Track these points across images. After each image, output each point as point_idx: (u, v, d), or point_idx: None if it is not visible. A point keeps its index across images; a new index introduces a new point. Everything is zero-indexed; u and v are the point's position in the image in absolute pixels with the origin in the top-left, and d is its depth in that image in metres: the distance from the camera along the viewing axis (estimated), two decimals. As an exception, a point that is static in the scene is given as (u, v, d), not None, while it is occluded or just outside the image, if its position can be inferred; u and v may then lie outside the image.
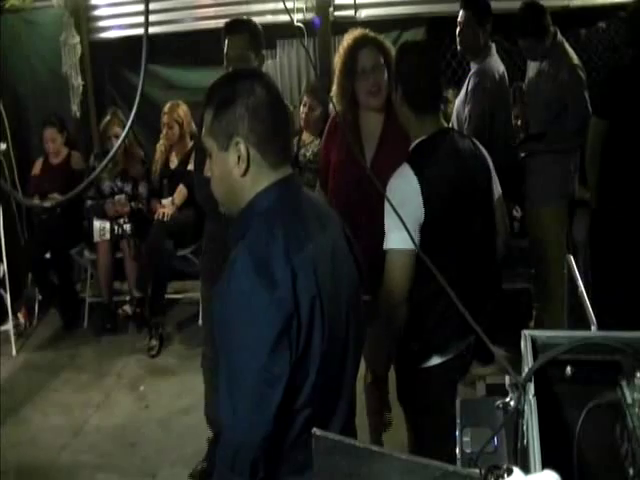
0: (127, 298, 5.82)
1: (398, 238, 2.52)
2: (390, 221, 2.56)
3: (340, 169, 3.30)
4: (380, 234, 2.62)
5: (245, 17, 4.00)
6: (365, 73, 3.18)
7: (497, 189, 2.89)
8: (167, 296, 5.69)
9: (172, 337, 5.56)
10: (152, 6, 5.53)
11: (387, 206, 2.50)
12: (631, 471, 1.19)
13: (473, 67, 4.37)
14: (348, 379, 1.96)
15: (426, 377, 2.79)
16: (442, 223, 2.60)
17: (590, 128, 3.99)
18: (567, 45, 4.41)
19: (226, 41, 3.56)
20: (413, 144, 2.71)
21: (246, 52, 3.51)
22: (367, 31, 3.31)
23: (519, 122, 4.88)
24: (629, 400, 1.30)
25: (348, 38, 3.28)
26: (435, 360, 2.76)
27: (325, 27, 5.70)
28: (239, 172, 1.79)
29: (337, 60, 3.30)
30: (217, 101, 1.81)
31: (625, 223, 3.85)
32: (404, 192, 2.55)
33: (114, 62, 6.21)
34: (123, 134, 4.87)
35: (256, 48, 3.56)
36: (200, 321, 5.22)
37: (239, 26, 3.63)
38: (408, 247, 2.48)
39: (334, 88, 3.31)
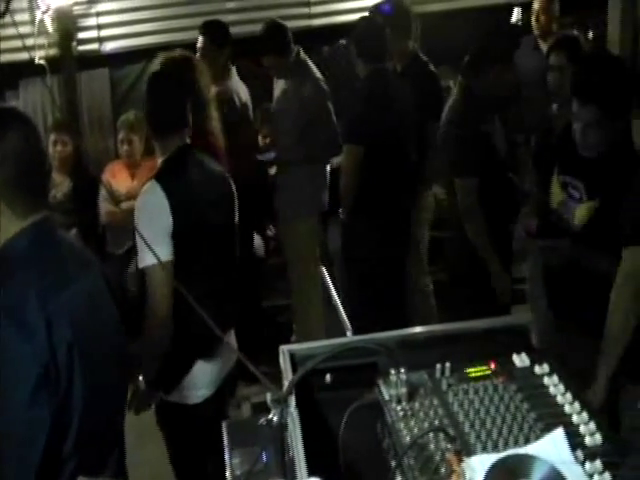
0: None
1: (156, 252, 2.46)
2: (143, 238, 2.51)
3: None
4: None
5: None
6: None
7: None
8: None
9: None
10: None
11: (138, 225, 2.51)
12: (393, 463, 1.26)
13: (212, 90, 4.40)
14: (116, 422, 1.91)
15: (187, 413, 2.72)
16: (192, 231, 2.62)
17: (345, 155, 4.06)
18: (310, 62, 4.60)
19: None
20: (160, 162, 2.74)
21: None
22: None
23: (267, 141, 5.02)
24: (386, 397, 1.38)
25: None
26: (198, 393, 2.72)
27: (69, 63, 5.51)
28: None
29: None
30: None
31: (373, 238, 4.03)
32: (153, 206, 2.57)
33: None
34: None
35: None
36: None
37: None
38: (167, 259, 2.52)
39: None
